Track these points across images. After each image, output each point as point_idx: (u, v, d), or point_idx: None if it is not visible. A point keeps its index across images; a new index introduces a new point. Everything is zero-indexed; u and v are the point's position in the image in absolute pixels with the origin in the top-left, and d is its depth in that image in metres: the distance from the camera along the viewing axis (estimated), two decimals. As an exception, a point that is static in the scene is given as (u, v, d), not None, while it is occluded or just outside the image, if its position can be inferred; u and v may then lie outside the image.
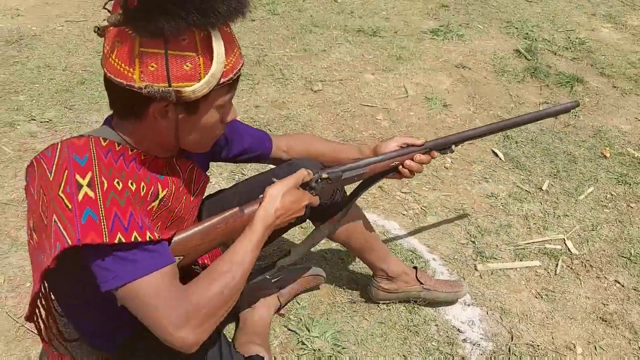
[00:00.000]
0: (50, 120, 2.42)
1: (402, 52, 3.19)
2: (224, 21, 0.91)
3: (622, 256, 1.96)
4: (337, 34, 3.36)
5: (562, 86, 2.97)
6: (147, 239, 0.94)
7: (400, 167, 1.36)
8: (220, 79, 0.93)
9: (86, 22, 3.30)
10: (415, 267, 1.68)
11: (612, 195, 2.23)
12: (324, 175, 1.25)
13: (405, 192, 2.16)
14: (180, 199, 1.12)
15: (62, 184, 0.92)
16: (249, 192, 1.25)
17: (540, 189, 2.25)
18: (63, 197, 0.91)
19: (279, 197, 1.12)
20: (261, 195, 1.14)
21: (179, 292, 0.96)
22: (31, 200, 1.00)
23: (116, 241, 0.90)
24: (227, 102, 1.00)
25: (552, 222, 2.09)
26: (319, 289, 1.75)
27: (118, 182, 0.95)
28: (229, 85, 0.97)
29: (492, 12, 3.83)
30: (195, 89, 0.91)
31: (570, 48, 3.39)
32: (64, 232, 0.90)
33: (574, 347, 1.65)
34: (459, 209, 2.12)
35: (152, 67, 0.89)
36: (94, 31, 0.94)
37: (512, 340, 1.66)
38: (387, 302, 1.70)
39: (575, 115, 2.70)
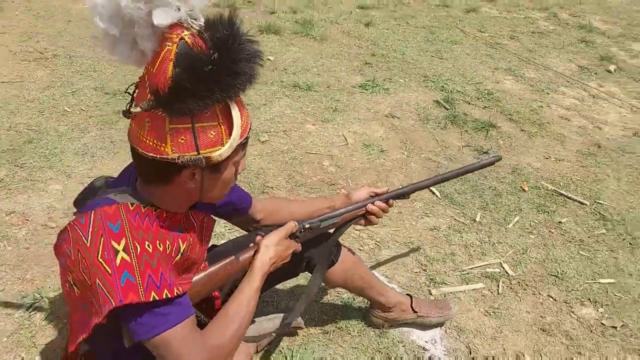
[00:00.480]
0: (2, 179, 2.39)
1: (337, 105, 3.46)
2: (240, 93, 1.06)
3: (551, 275, 2.24)
4: (275, 89, 3.58)
5: (479, 131, 3.35)
6: (175, 294, 1.08)
7: (368, 215, 1.58)
8: (239, 140, 1.08)
9: (22, 82, 3.28)
10: (409, 295, 1.87)
11: (535, 222, 2.55)
12: (307, 226, 1.47)
13: (359, 230, 2.35)
14: (195, 247, 1.25)
15: (100, 250, 1.04)
16: (238, 247, 1.39)
17: (474, 220, 2.52)
18: (102, 262, 1.03)
19: (272, 247, 1.33)
20: (252, 244, 1.34)
21: (200, 338, 1.12)
22: (68, 260, 1.10)
23: (151, 299, 1.04)
24: (241, 158, 1.15)
25: (488, 249, 2.35)
26: (297, 334, 1.85)
27: (149, 245, 1.08)
28: (243, 144, 1.12)
29: (410, 68, 4.24)
30: (222, 152, 1.06)
31: (480, 98, 3.83)
32: (107, 295, 1.02)
33: (523, 355, 1.86)
34: (407, 242, 2.33)
35: (182, 139, 1.03)
36: (123, 115, 1.07)
37: (470, 354, 1.85)
38: (384, 327, 1.87)
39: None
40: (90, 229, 1.06)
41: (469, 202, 2.64)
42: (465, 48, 4.85)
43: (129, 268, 1.04)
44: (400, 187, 1.69)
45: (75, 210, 1.23)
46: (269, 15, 5.17)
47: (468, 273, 2.20)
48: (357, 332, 1.86)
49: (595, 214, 2.65)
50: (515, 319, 2.01)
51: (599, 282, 2.22)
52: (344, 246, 1.70)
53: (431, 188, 2.68)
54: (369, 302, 1.87)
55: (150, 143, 1.04)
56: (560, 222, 2.57)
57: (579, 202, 2.73)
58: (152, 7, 0.92)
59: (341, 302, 1.99)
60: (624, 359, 1.89)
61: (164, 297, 1.06)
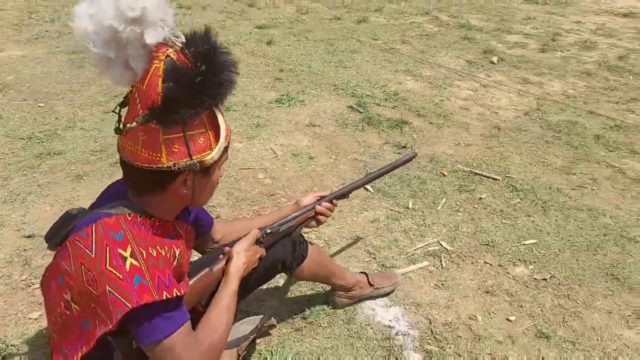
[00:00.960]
0: None
1: (259, 121, 3.56)
2: (224, 100, 1.16)
3: (483, 244, 2.49)
4: (195, 113, 3.61)
5: (393, 128, 3.60)
6: (182, 293, 1.16)
7: (317, 216, 1.72)
8: (225, 143, 1.19)
9: None
10: (364, 273, 2.05)
11: (459, 201, 2.81)
12: (268, 231, 1.60)
13: (307, 232, 2.46)
14: (184, 255, 1.31)
15: (108, 259, 1.08)
16: (207, 263, 1.47)
17: (408, 207, 2.73)
18: (111, 269, 1.08)
19: (243, 253, 1.45)
20: (221, 256, 1.45)
21: (196, 340, 1.20)
22: (67, 277, 1.12)
23: (164, 297, 1.10)
24: (224, 160, 1.25)
25: (425, 231, 2.56)
26: (270, 334, 1.92)
27: (152, 250, 1.15)
28: (227, 147, 1.22)
29: (318, 79, 4.45)
30: (213, 156, 1.16)
31: (388, 99, 4.11)
32: (121, 298, 1.07)
33: (476, 317, 2.07)
34: (353, 236, 2.49)
35: (176, 148, 1.12)
36: (115, 132, 1.15)
37: (430, 324, 2.02)
38: (348, 305, 2.04)
39: (412, 148, 3.31)
40: (94, 241, 1.10)
41: (399, 193, 2.85)
42: (364, 56, 5.15)
43: (139, 272, 1.09)
44: (340, 188, 1.88)
45: (48, 245, 1.23)
46: (170, 43, 5.17)
47: (412, 254, 2.39)
48: (327, 324, 1.97)
49: (509, 187, 2.97)
50: (461, 287, 2.22)
51: (524, 244, 2.50)
52: (308, 241, 1.82)
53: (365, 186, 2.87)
54: (331, 288, 2.01)
55: (147, 155, 1.11)
56: (480, 198, 2.85)
57: (493, 178, 3.04)
58: (144, 28, 1.00)
59: (304, 298, 2.09)
60: (558, 304, 2.15)
61: (174, 295, 1.13)
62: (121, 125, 1.15)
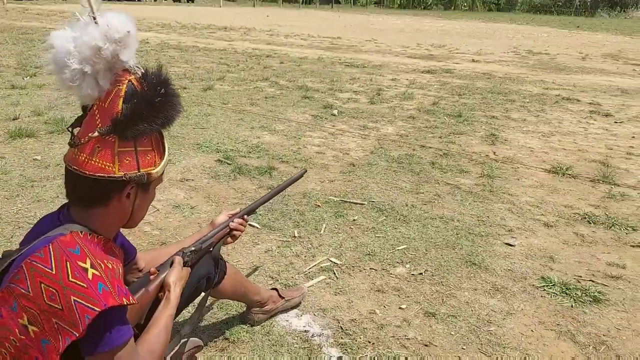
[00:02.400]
0: None
1: (132, 181, 3.59)
2: (173, 122, 1.35)
3: (365, 255, 2.83)
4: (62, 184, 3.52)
5: (263, 174, 3.89)
6: (137, 302, 1.29)
7: (232, 232, 1.91)
8: (166, 163, 1.38)
9: None
10: (275, 289, 2.22)
11: (337, 225, 3.15)
12: (192, 248, 1.75)
13: (208, 268, 2.58)
14: (122, 273, 1.41)
15: (69, 272, 1.17)
16: (141, 285, 1.59)
17: (294, 236, 2.99)
18: (75, 281, 1.17)
19: (178, 282, 1.58)
20: (152, 277, 1.58)
21: (138, 354, 1.31)
22: (23, 300, 1.17)
23: (124, 302, 1.22)
24: (159, 182, 1.41)
25: (315, 252, 2.84)
26: (196, 358, 1.99)
27: (108, 262, 1.27)
28: (163, 172, 1.40)
29: (180, 140, 4.60)
30: (157, 170, 1.34)
31: (252, 151, 4.42)
32: (88, 305, 1.16)
33: (375, 311, 2.36)
34: (252, 266, 2.66)
35: (127, 160, 1.28)
36: (69, 144, 1.29)
37: (339, 323, 2.27)
38: (265, 321, 2.20)
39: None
40: (53, 259, 1.18)
41: (284, 226, 3.11)
42: (218, 117, 5.44)
43: (101, 280, 1.19)
44: (248, 205, 2.07)
45: None
46: (11, 121, 4.94)
47: (308, 272, 2.64)
48: (248, 339, 2.11)
49: (374, 208, 3.40)
50: (356, 290, 2.52)
51: (398, 250, 2.90)
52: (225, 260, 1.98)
53: (251, 223, 3.08)
54: (247, 307, 2.17)
55: (100, 165, 1.25)
56: (354, 219, 3.22)
57: (359, 203, 3.46)
58: (122, 48, 1.18)
59: (221, 322, 2.20)
60: (436, 290, 2.55)
61: (131, 301, 1.24)
62: (76, 140, 1.27)
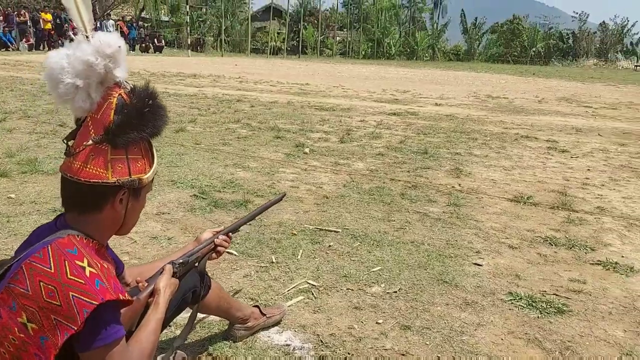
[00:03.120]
0: None
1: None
2: (161, 132, 1.48)
3: (341, 277, 2.93)
4: (36, 219, 3.54)
5: (239, 207, 3.98)
6: (132, 299, 1.38)
7: (217, 248, 1.99)
8: (155, 171, 1.49)
9: None
10: (256, 306, 2.30)
11: (314, 251, 3.25)
12: (180, 261, 1.83)
13: (189, 291, 2.63)
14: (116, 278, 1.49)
15: (68, 270, 1.26)
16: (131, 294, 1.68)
17: (272, 262, 3.07)
18: (73, 278, 1.26)
19: (168, 288, 1.66)
20: (142, 287, 1.65)
21: (129, 352, 1.38)
22: (23, 299, 1.25)
23: (120, 298, 1.31)
24: (149, 190, 1.52)
25: (293, 275, 2.92)
26: (181, 371, 2.04)
27: (104, 263, 1.36)
28: (153, 179, 1.52)
29: (155, 176, 4.66)
30: (148, 176, 1.45)
31: (226, 187, 4.51)
32: (86, 299, 1.25)
33: (353, 326, 2.45)
34: (232, 290, 2.73)
35: (119, 167, 1.39)
36: (65, 154, 1.40)
37: (319, 337, 2.34)
38: (247, 337, 2.26)
39: (260, 219, 3.71)
40: (51, 258, 1.26)
41: (261, 253, 3.19)
42: (192, 157, 5.54)
43: (98, 277, 1.28)
44: (232, 223, 2.17)
45: None
46: (-18, 163, 4.93)
47: (287, 294, 2.71)
48: (232, 354, 2.16)
49: (348, 235, 3.52)
50: (335, 308, 2.60)
51: (373, 271, 3.01)
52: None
53: (229, 250, 3.15)
54: (229, 323, 2.23)
55: (94, 171, 1.35)
56: (329, 245, 3.33)
57: (334, 231, 3.58)
58: (113, 62, 1.30)
59: (204, 339, 2.25)
60: (410, 306, 2.65)
61: (127, 298, 1.32)
62: (71, 150, 1.38)
